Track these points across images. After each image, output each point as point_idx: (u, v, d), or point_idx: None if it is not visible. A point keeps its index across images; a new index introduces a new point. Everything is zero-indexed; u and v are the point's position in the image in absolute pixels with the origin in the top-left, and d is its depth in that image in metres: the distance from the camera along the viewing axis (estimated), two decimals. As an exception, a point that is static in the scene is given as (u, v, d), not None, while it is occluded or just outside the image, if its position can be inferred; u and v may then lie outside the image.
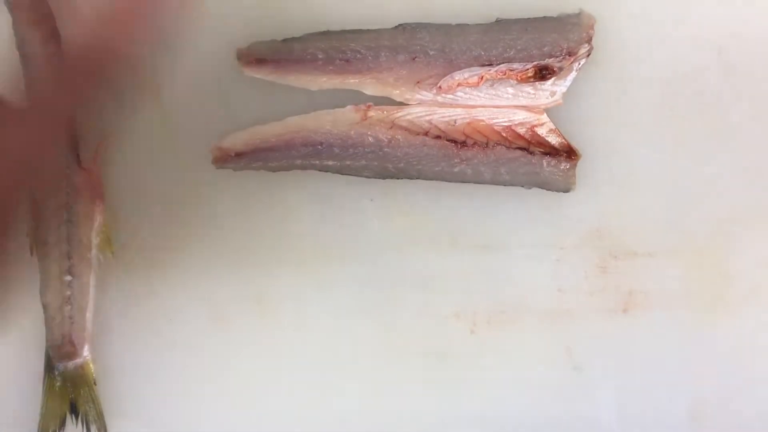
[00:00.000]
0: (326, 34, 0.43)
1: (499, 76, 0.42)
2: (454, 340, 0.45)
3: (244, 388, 0.45)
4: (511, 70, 0.42)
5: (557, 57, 0.42)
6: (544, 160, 0.43)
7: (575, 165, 0.43)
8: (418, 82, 0.43)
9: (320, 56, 0.43)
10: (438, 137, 0.43)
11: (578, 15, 0.43)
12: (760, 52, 0.44)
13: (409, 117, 0.43)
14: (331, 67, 0.43)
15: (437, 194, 0.44)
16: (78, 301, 0.44)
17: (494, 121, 0.43)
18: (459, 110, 0.43)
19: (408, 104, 0.43)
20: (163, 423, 0.46)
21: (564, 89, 0.43)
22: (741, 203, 0.44)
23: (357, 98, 0.43)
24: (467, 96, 0.43)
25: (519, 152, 0.43)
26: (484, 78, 0.42)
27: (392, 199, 0.45)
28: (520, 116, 0.43)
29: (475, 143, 0.42)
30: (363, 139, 0.43)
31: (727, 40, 0.44)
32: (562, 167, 0.43)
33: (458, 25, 0.43)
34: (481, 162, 0.43)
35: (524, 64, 0.42)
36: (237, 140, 0.43)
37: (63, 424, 0.44)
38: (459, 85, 0.42)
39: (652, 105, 0.44)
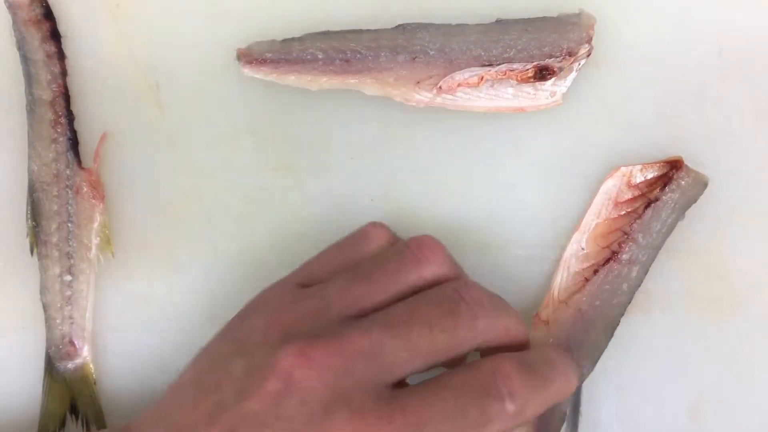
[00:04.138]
0: (326, 34, 0.43)
1: (499, 77, 0.42)
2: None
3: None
4: (511, 71, 0.42)
5: (557, 57, 0.42)
6: None
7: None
8: (418, 83, 0.43)
9: (320, 56, 0.43)
10: None
11: (578, 15, 0.43)
12: (760, 52, 0.44)
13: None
14: (331, 67, 0.43)
15: (437, 194, 0.44)
16: (78, 301, 0.44)
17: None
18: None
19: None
20: (163, 423, 0.46)
21: (564, 89, 0.43)
22: (741, 203, 0.44)
23: (357, 98, 0.43)
24: (467, 96, 0.43)
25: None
26: (484, 78, 0.42)
27: (392, 199, 0.45)
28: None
29: None
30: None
31: (727, 40, 0.44)
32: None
33: (458, 25, 0.43)
34: None
35: (524, 64, 0.42)
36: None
37: (63, 424, 0.44)
38: (459, 85, 0.42)
39: (652, 105, 0.44)
